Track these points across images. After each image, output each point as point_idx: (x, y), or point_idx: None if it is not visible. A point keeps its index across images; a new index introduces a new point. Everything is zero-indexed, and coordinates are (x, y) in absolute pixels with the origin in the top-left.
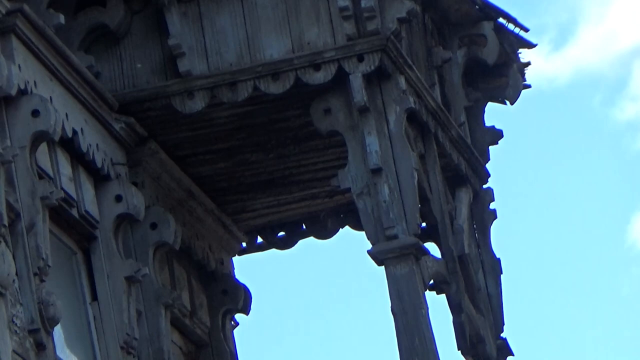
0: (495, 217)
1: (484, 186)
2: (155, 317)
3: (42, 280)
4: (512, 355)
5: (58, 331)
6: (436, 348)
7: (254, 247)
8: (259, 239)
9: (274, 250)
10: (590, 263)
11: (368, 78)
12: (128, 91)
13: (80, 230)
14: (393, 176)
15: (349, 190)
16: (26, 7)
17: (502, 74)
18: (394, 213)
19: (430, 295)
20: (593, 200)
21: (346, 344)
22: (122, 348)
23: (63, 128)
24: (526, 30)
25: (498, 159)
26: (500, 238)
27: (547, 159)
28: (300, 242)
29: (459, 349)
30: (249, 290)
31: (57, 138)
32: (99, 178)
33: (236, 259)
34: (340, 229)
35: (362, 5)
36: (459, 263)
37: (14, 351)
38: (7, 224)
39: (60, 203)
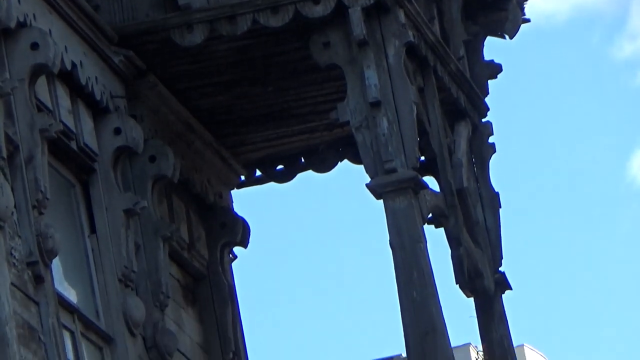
0: (494, 151)
1: (483, 120)
2: (154, 250)
3: (40, 213)
4: (510, 289)
5: (56, 264)
6: (434, 282)
7: (252, 181)
8: (258, 172)
9: (272, 183)
10: (590, 199)
11: (367, 11)
12: (127, 24)
13: (79, 162)
14: (392, 109)
15: (347, 123)
16: None
17: (501, 8)
18: (393, 146)
19: (428, 228)
20: (592, 136)
21: (344, 277)
22: (120, 281)
23: (62, 61)
24: None
25: (497, 93)
26: (499, 172)
27: (546, 94)
28: (299, 175)
29: (457, 283)
30: (247, 224)
31: (56, 71)
32: (98, 111)
33: (235, 192)
34: (339, 162)
35: None
36: (457, 197)
37: (12, 284)
38: (5, 157)
39: (59, 135)
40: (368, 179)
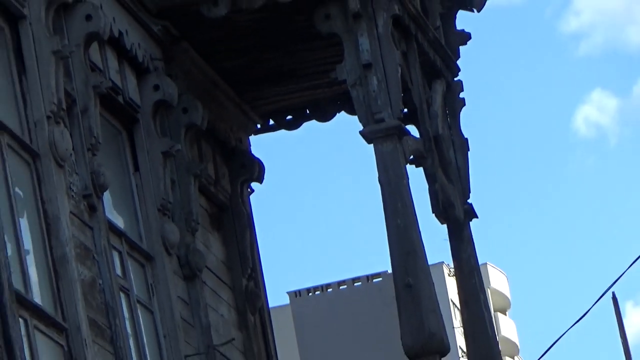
0: (464, 105)
1: (455, 79)
2: (186, 185)
3: (94, 155)
4: (477, 217)
5: (107, 196)
6: (415, 211)
7: (266, 128)
8: (271, 122)
9: (283, 130)
10: (542, 145)
11: None
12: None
13: (125, 113)
14: (381, 70)
15: (344, 81)
16: None
17: None
18: (381, 100)
19: (410, 168)
20: (544, 94)
21: (341, 207)
22: (159, 210)
23: (111, 30)
24: None
25: (467, 57)
26: (467, 122)
27: (507, 58)
28: (305, 124)
29: (433, 212)
30: (262, 164)
31: (106, 38)
32: (140, 71)
33: (252, 138)
34: (337, 113)
35: None
36: (434, 142)
37: (71, 212)
38: (65, 109)
39: (109, 91)
40: (361, 127)
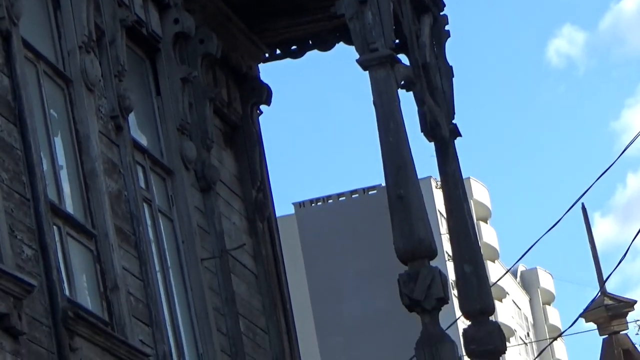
0: (449, 36)
1: (441, 13)
2: (202, 107)
3: (120, 80)
4: (461, 136)
5: (132, 117)
6: (405, 130)
7: (274, 57)
8: (278, 51)
9: (288, 59)
10: (518, 74)
11: None
12: None
13: (148, 44)
14: (375, 5)
15: (343, 15)
16: None
17: None
18: (375, 32)
19: (401, 92)
20: (519, 30)
21: (340, 127)
22: (178, 129)
23: None
24: None
25: None
26: (452, 51)
27: None
28: (308, 53)
29: (422, 131)
30: (270, 88)
31: None
32: (162, 6)
33: (261, 66)
34: (337, 44)
35: None
36: (422, 69)
37: (99, 131)
38: (95, 39)
39: (134, 24)
40: (357, 56)
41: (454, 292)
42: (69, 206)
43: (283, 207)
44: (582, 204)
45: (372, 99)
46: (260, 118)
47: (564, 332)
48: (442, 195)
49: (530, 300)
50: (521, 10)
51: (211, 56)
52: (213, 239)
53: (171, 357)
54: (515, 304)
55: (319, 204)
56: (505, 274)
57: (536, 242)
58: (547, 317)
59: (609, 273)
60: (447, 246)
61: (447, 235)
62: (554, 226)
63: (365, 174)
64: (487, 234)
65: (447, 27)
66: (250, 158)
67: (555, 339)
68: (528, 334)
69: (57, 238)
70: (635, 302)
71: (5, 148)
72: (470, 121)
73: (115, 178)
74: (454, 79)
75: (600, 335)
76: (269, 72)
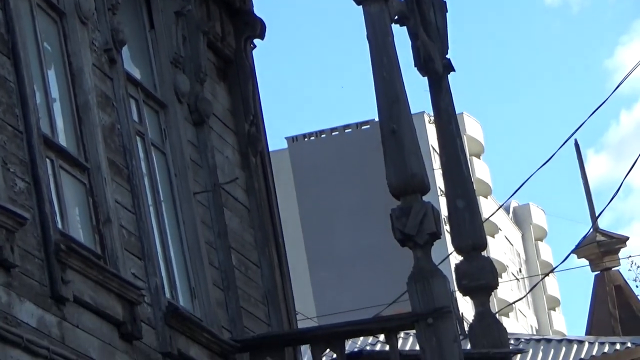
0: None
1: None
2: (196, 41)
3: (114, 14)
4: (454, 71)
5: (125, 51)
6: (399, 65)
7: None
8: None
9: None
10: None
11: None
12: None
13: None
14: None
15: None
16: None
17: None
18: None
19: (395, 27)
20: None
21: (333, 60)
22: (171, 63)
23: None
24: None
25: None
26: None
27: None
28: None
29: (415, 66)
30: (264, 22)
31: None
32: None
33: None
34: None
35: None
36: (416, 3)
37: (93, 64)
38: None
39: None
40: None
41: (446, 228)
42: (62, 139)
43: (276, 141)
44: (575, 140)
45: (365, 33)
46: (254, 52)
47: (555, 268)
48: (435, 131)
49: (523, 236)
50: None
51: None
52: (206, 173)
53: (163, 290)
54: (508, 240)
55: (312, 138)
56: (498, 209)
57: (529, 177)
58: (539, 253)
59: (602, 209)
60: (439, 181)
61: (440, 171)
62: (547, 162)
63: (359, 109)
64: (480, 169)
65: None
66: (243, 92)
67: (547, 274)
68: (520, 269)
69: (49, 171)
70: (627, 238)
71: None
72: (464, 56)
73: (108, 111)
74: (447, 13)
75: (592, 271)
76: (263, 5)
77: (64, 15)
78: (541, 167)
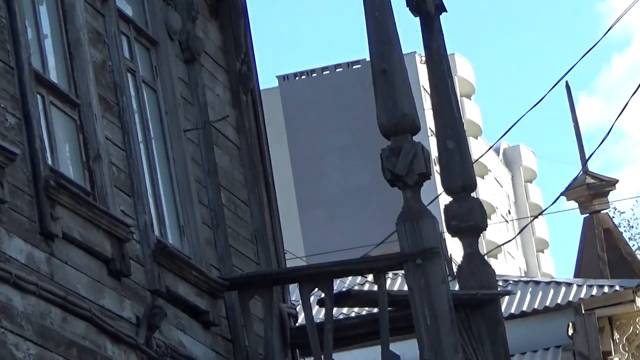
0: None
1: None
2: None
3: None
4: (446, 11)
5: None
6: (390, 4)
7: None
8: None
9: None
10: None
11: None
12: None
13: None
14: None
15: None
16: None
17: None
18: None
19: None
20: None
21: (326, 2)
22: (163, 0)
23: None
24: None
25: None
26: None
27: None
28: None
29: (407, 6)
30: None
31: None
32: None
33: None
34: None
35: None
36: None
37: (85, 1)
38: None
39: None
40: None
41: (436, 168)
42: (53, 75)
43: (267, 79)
44: (567, 82)
45: None
46: None
47: (545, 210)
48: (426, 71)
49: (512, 178)
50: None
51: None
52: (196, 110)
53: (152, 227)
54: (497, 181)
55: (303, 77)
56: (488, 150)
57: (519, 119)
58: (529, 194)
59: (592, 151)
60: (430, 122)
61: (431, 111)
62: (537, 103)
63: (350, 48)
64: (471, 110)
65: None
66: (235, 30)
67: (536, 216)
68: (509, 211)
69: (40, 107)
70: (617, 181)
71: None
72: None
73: (99, 48)
74: None
75: (582, 213)
76: None
77: None
78: (532, 108)
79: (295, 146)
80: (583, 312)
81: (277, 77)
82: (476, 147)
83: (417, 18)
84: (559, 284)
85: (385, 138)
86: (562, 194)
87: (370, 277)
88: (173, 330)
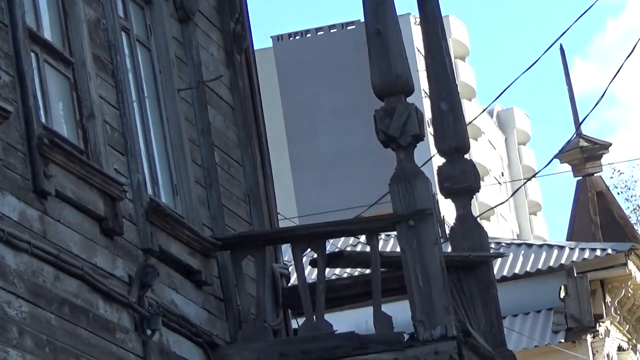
0: None
1: None
2: None
3: None
4: None
5: None
6: None
7: None
8: None
9: None
10: None
11: None
12: None
13: None
14: None
15: None
16: None
17: None
18: None
19: None
20: None
21: None
22: None
23: None
24: None
25: None
26: None
27: None
28: None
29: None
30: None
31: None
32: None
33: None
34: None
35: None
36: None
37: None
38: None
39: None
40: None
41: (430, 130)
42: (47, 33)
43: (261, 40)
44: (561, 45)
45: None
46: None
47: (538, 172)
48: (421, 32)
49: (506, 140)
50: None
51: None
52: (190, 70)
53: (145, 186)
54: (491, 144)
55: (297, 37)
56: (482, 112)
57: (513, 81)
58: (522, 157)
59: (586, 115)
60: (424, 84)
61: (425, 73)
62: (532, 66)
63: (344, 9)
64: (465, 72)
65: None
66: None
67: (529, 179)
68: (502, 173)
69: (34, 65)
70: (611, 144)
71: None
72: None
73: (94, 6)
74: None
75: (575, 176)
76: None
77: None
78: (526, 71)
79: (289, 107)
80: (575, 275)
81: (271, 37)
82: (470, 110)
83: None
84: (551, 246)
85: (379, 99)
86: (555, 156)
87: (362, 238)
88: (165, 289)
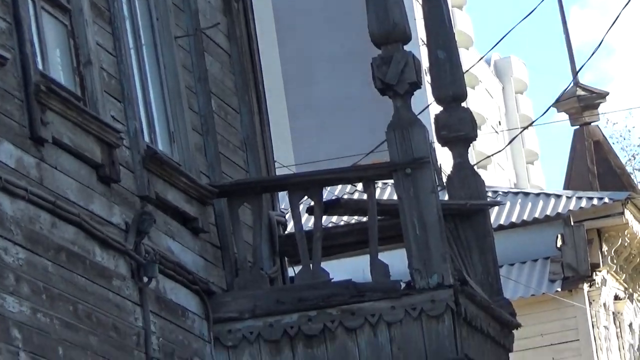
0: None
1: None
2: None
3: None
4: None
5: None
6: None
7: None
8: None
9: None
10: None
11: None
12: None
13: None
14: None
15: None
16: None
17: None
18: None
19: None
20: None
21: None
22: None
23: None
24: None
25: None
26: None
27: None
28: None
29: None
30: None
31: None
32: None
33: None
34: None
35: None
36: None
37: None
38: None
39: None
40: None
41: (427, 78)
42: None
43: None
44: None
45: None
46: None
47: (535, 121)
48: None
49: (503, 89)
50: None
51: None
52: (187, 17)
53: (142, 134)
54: (488, 92)
55: None
56: (479, 61)
57: (511, 30)
58: (519, 106)
59: (583, 64)
60: (421, 32)
61: (422, 21)
62: (529, 14)
63: None
64: (462, 20)
65: None
66: None
67: (526, 127)
68: (499, 122)
69: (31, 11)
70: (608, 93)
71: None
72: None
73: None
74: None
75: (572, 125)
76: None
77: None
78: (523, 19)
79: (286, 54)
80: (572, 224)
81: None
82: (467, 58)
83: None
84: (548, 195)
85: (376, 47)
86: (552, 105)
87: (359, 186)
88: (162, 237)
